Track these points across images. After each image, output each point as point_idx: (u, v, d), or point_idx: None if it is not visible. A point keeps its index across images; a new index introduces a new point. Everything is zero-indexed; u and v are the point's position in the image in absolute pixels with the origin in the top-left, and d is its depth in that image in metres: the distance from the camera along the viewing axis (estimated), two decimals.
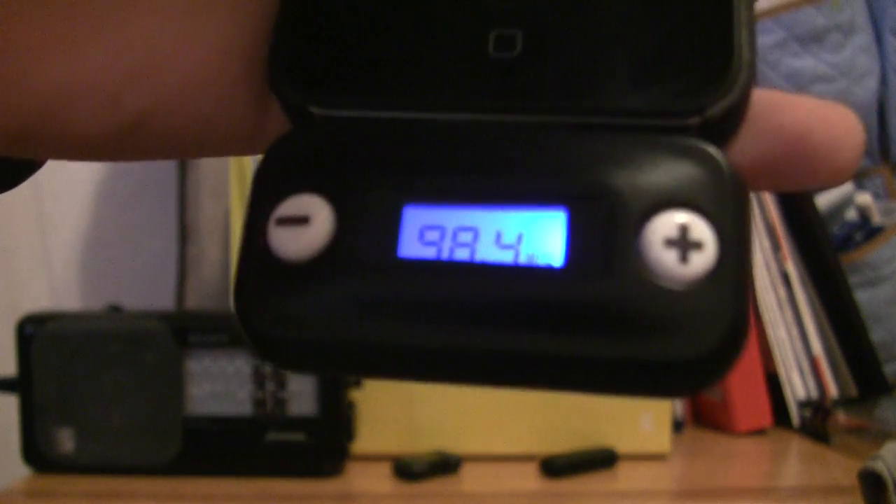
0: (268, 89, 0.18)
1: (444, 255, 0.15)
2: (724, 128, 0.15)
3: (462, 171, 0.16)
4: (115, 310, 0.74)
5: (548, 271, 0.15)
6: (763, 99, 0.16)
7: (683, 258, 0.14)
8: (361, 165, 0.16)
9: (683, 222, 0.14)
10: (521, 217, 0.15)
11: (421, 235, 0.15)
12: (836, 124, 0.16)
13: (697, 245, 0.14)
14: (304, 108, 0.17)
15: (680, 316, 0.14)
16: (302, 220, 0.16)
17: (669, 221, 0.14)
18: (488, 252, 0.15)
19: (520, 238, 0.15)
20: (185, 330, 0.70)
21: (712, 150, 0.15)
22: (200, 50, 0.18)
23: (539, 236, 0.15)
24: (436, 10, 0.17)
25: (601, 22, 0.16)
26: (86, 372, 0.70)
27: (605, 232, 0.14)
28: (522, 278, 0.15)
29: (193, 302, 0.86)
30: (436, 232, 0.15)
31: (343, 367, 0.16)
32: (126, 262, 0.96)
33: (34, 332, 0.70)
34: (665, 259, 0.14)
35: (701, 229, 0.14)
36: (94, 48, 0.18)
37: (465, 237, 0.15)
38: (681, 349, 0.14)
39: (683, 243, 0.14)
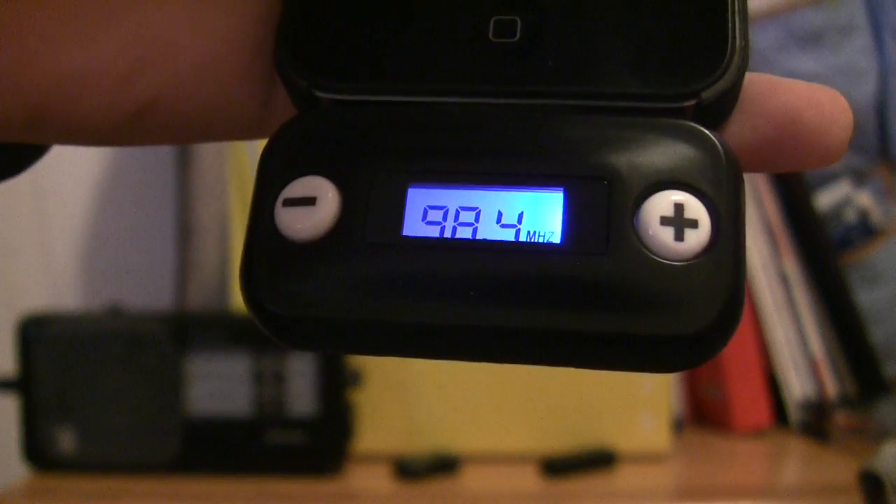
0: (273, 74, 0.18)
1: (447, 234, 0.15)
2: (718, 111, 0.16)
3: (464, 152, 0.16)
4: (115, 310, 0.74)
5: (548, 248, 0.15)
6: (755, 82, 0.17)
7: (679, 235, 0.14)
8: (366, 148, 0.16)
9: (679, 201, 0.15)
10: (521, 197, 0.15)
11: (424, 215, 0.16)
12: (826, 106, 0.16)
13: (693, 223, 0.14)
14: (309, 93, 0.17)
15: (677, 291, 0.14)
16: (309, 201, 0.16)
17: (666, 200, 0.15)
18: (490, 231, 0.15)
19: (520, 217, 0.15)
20: (185, 330, 0.70)
21: (707, 132, 0.15)
22: (209, 35, 0.18)
23: (539, 215, 0.15)
24: None
25: (598, 8, 0.16)
26: (86, 372, 0.70)
27: (604, 210, 0.15)
28: (523, 255, 0.15)
29: (193, 302, 0.86)
30: (439, 212, 0.16)
31: (349, 344, 0.17)
32: (126, 262, 0.96)
33: (34, 332, 0.70)
34: (662, 236, 0.14)
35: (696, 208, 0.15)
36: (105, 34, 0.18)
37: (468, 217, 0.15)
38: (678, 324, 0.14)
39: (679, 221, 0.14)
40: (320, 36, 0.18)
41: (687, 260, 0.14)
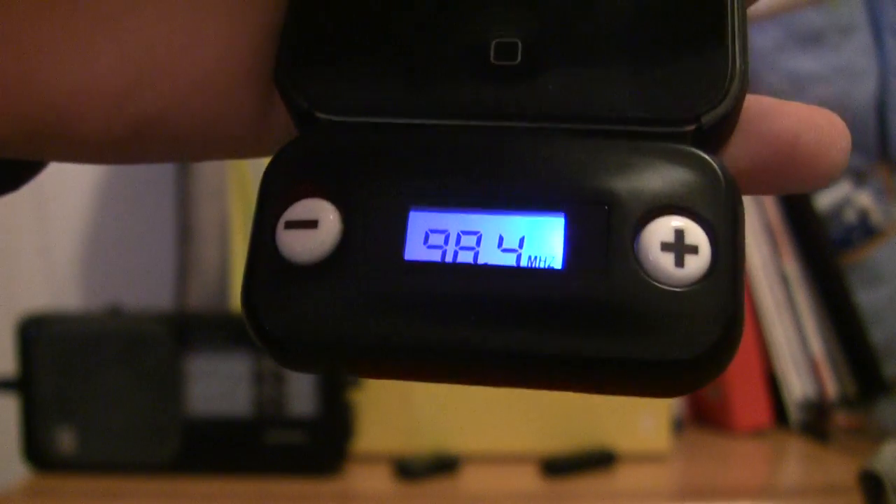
0: (272, 91, 0.18)
1: (449, 258, 0.15)
2: (718, 134, 0.16)
3: (465, 176, 0.16)
4: (115, 310, 0.74)
5: (548, 273, 0.15)
6: (754, 105, 0.17)
7: (680, 262, 0.15)
8: (367, 170, 0.16)
9: (679, 226, 0.15)
10: (522, 221, 0.15)
11: (426, 239, 0.16)
12: (824, 129, 0.17)
13: (693, 249, 0.15)
14: (310, 113, 0.17)
15: (677, 317, 0.14)
16: (310, 224, 0.16)
17: (666, 225, 0.15)
18: (491, 255, 0.15)
19: (521, 241, 0.15)
20: (185, 330, 0.70)
21: (707, 156, 0.15)
22: (207, 52, 0.18)
23: (540, 240, 0.15)
24: (439, 18, 0.17)
25: (599, 33, 0.17)
26: (86, 372, 0.70)
27: (604, 235, 0.15)
28: (524, 279, 0.15)
29: (193, 302, 0.86)
30: (440, 235, 0.16)
31: (350, 367, 0.17)
32: (126, 262, 0.96)
33: (34, 332, 0.70)
34: (662, 262, 0.15)
35: (696, 233, 0.15)
36: (104, 52, 0.18)
37: (469, 241, 0.16)
38: (679, 349, 0.14)
39: (680, 247, 0.15)
40: (322, 56, 0.18)
41: (687, 286, 0.15)
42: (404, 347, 0.15)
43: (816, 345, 0.83)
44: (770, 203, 0.85)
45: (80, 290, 0.96)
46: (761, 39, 0.90)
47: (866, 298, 0.86)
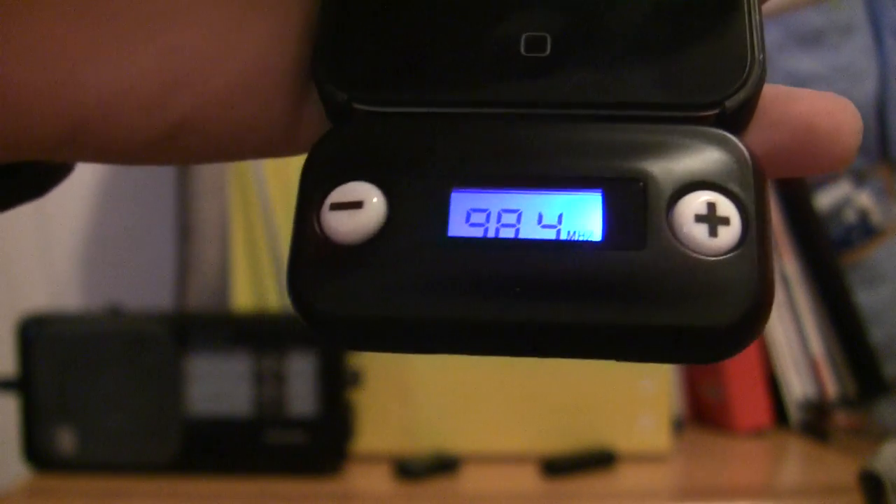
0: (305, 91, 0.19)
1: (491, 234, 0.16)
2: (739, 119, 0.17)
3: (503, 158, 0.17)
4: (115, 310, 0.74)
5: (588, 245, 0.16)
6: (770, 92, 0.18)
7: (713, 232, 0.15)
8: (408, 155, 0.17)
9: (712, 200, 0.16)
10: (560, 198, 0.16)
11: (468, 217, 0.16)
12: (837, 114, 0.18)
13: (725, 220, 0.15)
14: (347, 105, 0.18)
15: (713, 285, 0.15)
16: (356, 205, 0.17)
17: (699, 199, 0.16)
18: (531, 231, 0.16)
19: (560, 218, 0.16)
20: (185, 330, 0.70)
21: (733, 137, 0.16)
22: (242, 55, 0.18)
23: (578, 216, 0.16)
24: (471, 13, 0.18)
25: (624, 26, 0.18)
26: (86, 372, 0.70)
27: (641, 210, 0.16)
28: (565, 252, 0.16)
29: (193, 302, 0.86)
30: (482, 214, 0.16)
31: (398, 343, 0.17)
32: (126, 262, 0.96)
33: (34, 332, 0.70)
34: (696, 233, 0.15)
35: (727, 206, 0.16)
36: (141, 54, 0.18)
37: (510, 218, 0.16)
38: (716, 315, 0.15)
39: (713, 219, 0.15)
40: (358, 50, 0.18)
41: (721, 255, 0.15)
42: (451, 321, 0.16)
43: (816, 345, 0.83)
44: (770, 203, 0.85)
45: (80, 290, 0.96)
46: None
47: (866, 298, 0.86)
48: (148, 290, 0.92)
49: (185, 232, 0.88)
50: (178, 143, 0.19)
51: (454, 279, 0.16)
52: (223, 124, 0.19)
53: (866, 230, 0.88)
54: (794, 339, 0.84)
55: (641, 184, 0.16)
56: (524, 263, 0.16)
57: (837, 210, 0.89)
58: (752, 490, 0.74)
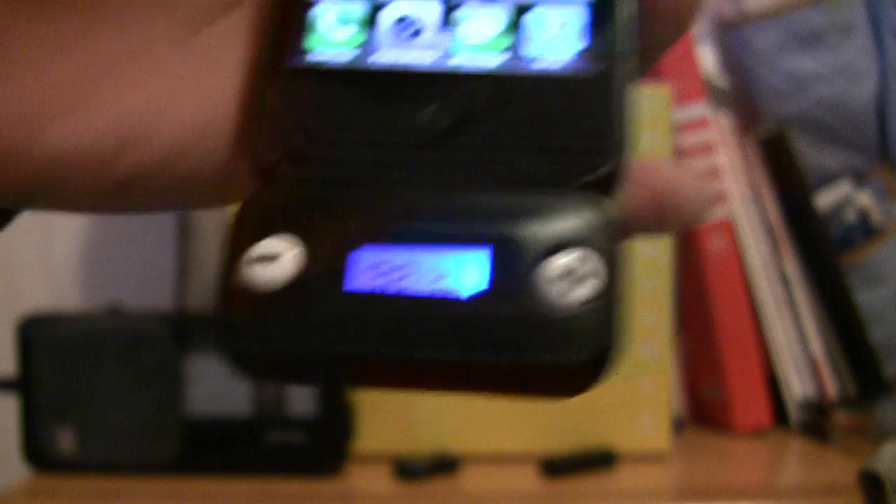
0: (239, 150, 0.21)
1: (382, 287, 0.19)
2: (609, 186, 0.20)
3: (402, 218, 0.20)
4: (115, 310, 0.74)
5: (466, 297, 0.19)
6: (638, 165, 0.21)
7: (571, 288, 0.18)
8: (320, 215, 0.20)
9: (572, 260, 0.19)
10: (447, 256, 0.19)
11: (367, 271, 0.19)
12: (687, 185, 0.22)
13: (582, 278, 0.19)
14: (274, 169, 0.21)
15: (567, 332, 0.18)
16: (272, 258, 0.19)
17: (562, 259, 0.19)
18: (420, 282, 0.19)
19: (446, 272, 0.19)
20: (186, 330, 0.70)
21: (600, 202, 0.20)
22: (184, 116, 0.20)
23: (462, 271, 0.19)
24: (381, 90, 0.22)
25: (506, 106, 0.21)
26: (86, 372, 0.70)
27: (513, 267, 0.19)
28: (446, 303, 0.19)
29: (193, 302, 0.86)
30: (378, 268, 0.19)
31: (305, 378, 0.20)
32: (126, 262, 0.96)
33: (35, 332, 0.70)
34: (556, 289, 0.18)
35: (584, 266, 0.19)
36: (93, 114, 0.19)
37: (400, 272, 0.19)
38: (568, 357, 0.18)
39: (572, 276, 0.19)
40: (285, 120, 0.21)
41: (577, 307, 0.18)
42: (340, 358, 0.19)
43: (816, 345, 0.83)
44: (770, 203, 0.85)
45: (80, 290, 0.96)
46: (761, 39, 0.91)
47: (866, 298, 0.86)
48: (148, 290, 0.92)
49: (185, 232, 0.88)
50: (124, 199, 0.20)
51: (347, 325, 0.19)
52: (165, 180, 0.20)
53: (866, 230, 0.88)
54: (794, 339, 0.84)
55: (514, 245, 0.19)
56: (409, 314, 0.19)
57: (837, 210, 0.89)
58: (752, 490, 0.74)
